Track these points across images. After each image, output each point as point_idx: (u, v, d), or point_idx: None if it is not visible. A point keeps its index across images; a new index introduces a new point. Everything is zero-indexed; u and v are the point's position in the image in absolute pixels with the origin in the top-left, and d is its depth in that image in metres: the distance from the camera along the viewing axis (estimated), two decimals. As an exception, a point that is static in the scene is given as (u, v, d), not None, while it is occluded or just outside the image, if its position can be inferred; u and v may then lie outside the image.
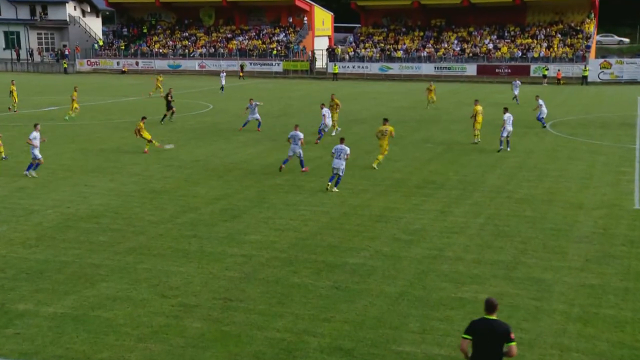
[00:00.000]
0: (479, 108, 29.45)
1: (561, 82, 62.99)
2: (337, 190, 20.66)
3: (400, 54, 74.03)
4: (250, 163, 25.23)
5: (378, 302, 12.18)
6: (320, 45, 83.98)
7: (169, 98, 36.45)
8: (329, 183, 20.96)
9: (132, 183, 21.97)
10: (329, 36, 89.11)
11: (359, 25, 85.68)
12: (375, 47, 76.87)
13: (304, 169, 23.34)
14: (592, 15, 73.12)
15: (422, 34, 78.11)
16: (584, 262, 14.25)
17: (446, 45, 74.22)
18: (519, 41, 72.07)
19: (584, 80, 62.42)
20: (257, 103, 34.04)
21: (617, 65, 64.96)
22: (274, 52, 78.79)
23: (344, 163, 20.64)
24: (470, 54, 71.58)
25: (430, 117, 38.51)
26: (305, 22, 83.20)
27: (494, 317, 7.98)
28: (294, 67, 76.90)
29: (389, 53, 74.78)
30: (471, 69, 69.32)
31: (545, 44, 70.13)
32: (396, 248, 15.25)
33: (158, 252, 15.06)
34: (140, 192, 20.67)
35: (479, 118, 29.33)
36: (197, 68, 79.61)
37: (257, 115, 33.58)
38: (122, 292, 12.71)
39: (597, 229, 16.62)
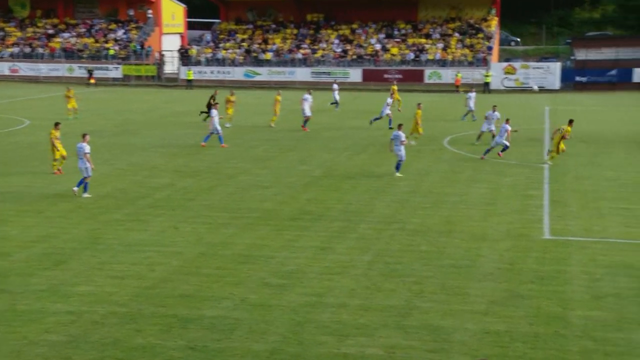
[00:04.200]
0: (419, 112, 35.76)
1: (460, 89, 66.01)
2: (398, 175, 27.25)
3: (269, 56, 74.97)
4: (77, 194, 24.54)
5: (244, 365, 12.17)
6: (170, 45, 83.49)
7: (211, 101, 41.16)
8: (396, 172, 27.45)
9: None
10: (180, 34, 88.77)
11: (219, 20, 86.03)
12: (239, 48, 77.43)
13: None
14: (494, 11, 77.55)
15: (296, 31, 79.61)
16: (488, 304, 14.93)
17: (325, 46, 76.02)
18: (410, 41, 75.11)
19: (485, 87, 65.75)
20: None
21: (523, 70, 69.03)
22: (111, 52, 77.42)
23: (402, 148, 27.16)
24: (354, 56, 73.68)
25: (307, 134, 39.14)
26: (150, 15, 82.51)
27: None
28: (137, 72, 75.91)
29: (255, 55, 75.53)
30: (355, 75, 71.32)
31: (441, 45, 73.50)
32: (266, 295, 15.32)
33: (-46, 313, 14.28)
34: None
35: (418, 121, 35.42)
36: (7, 72, 76.79)
37: (217, 125, 34.60)
38: None
39: (502, 264, 17.48)
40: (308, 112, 40.66)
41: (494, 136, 35.34)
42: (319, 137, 38.14)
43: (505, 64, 71.25)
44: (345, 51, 74.69)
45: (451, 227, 20.77)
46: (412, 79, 69.33)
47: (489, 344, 13.02)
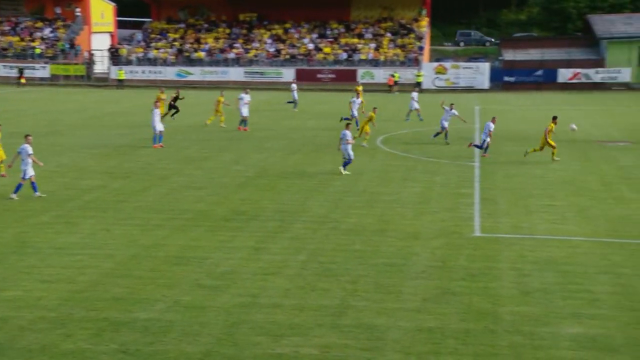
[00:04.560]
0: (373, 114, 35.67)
1: (393, 89, 66.72)
2: (343, 171, 27.75)
3: (202, 55, 74.45)
4: (4, 196, 23.99)
5: (177, 367, 12.08)
6: (100, 44, 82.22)
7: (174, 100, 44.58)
8: (341, 168, 27.93)
9: None
10: (111, 33, 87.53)
11: (150, 19, 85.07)
12: (171, 47, 76.72)
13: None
14: (424, 12, 78.59)
15: (228, 31, 79.24)
16: (421, 302, 15.12)
17: (258, 45, 75.84)
18: (343, 41, 75.52)
19: (417, 86, 66.52)
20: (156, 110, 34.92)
21: (453, 70, 70.21)
22: (37, 51, 75.77)
23: (348, 147, 27.53)
24: (288, 56, 73.71)
25: (241, 134, 39.05)
26: (79, 14, 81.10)
27: None
28: (66, 72, 74.59)
29: (188, 55, 74.94)
30: (289, 74, 71.34)
31: (373, 45, 74.09)
32: (199, 297, 15.22)
33: None
34: None
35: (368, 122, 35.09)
36: None
37: (157, 125, 34.41)
38: None
39: (435, 262, 17.72)
40: (245, 112, 40.51)
41: (437, 133, 36.13)
42: (252, 137, 38.06)
43: (436, 64, 72.31)
44: (278, 51, 74.67)
45: (385, 226, 20.96)
46: (345, 78, 69.74)
47: (421, 341, 13.18)
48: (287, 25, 79.08)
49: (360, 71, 70.86)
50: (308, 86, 68.74)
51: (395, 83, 67.19)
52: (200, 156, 32.22)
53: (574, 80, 69.11)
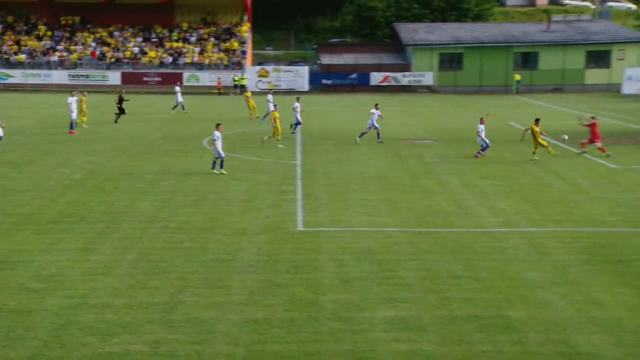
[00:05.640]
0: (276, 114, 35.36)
1: (220, 91, 66.82)
2: (221, 172, 27.69)
3: (22, 58, 70.91)
4: None
5: (4, 373, 11.50)
6: None
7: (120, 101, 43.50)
8: (213, 170, 27.80)
9: None
10: None
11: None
12: (-10, 49, 72.55)
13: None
14: (245, 17, 78.93)
15: (50, 33, 75.91)
16: (248, 294, 15.23)
17: (82, 48, 73.20)
18: (168, 45, 74.38)
19: (241, 89, 66.93)
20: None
21: (275, 73, 71.09)
22: None
23: (213, 147, 27.79)
24: (113, 59, 71.67)
25: (71, 137, 37.62)
26: None
27: None
28: None
29: (7, 57, 71.15)
30: (114, 78, 69.42)
31: (197, 49, 73.51)
32: (25, 300, 14.58)
33: None
34: None
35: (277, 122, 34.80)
36: None
37: None
38: None
39: (261, 256, 17.88)
40: (75, 116, 39.15)
41: (378, 133, 36.30)
42: (78, 139, 36.74)
43: (258, 68, 72.88)
44: (103, 54, 72.39)
45: (213, 223, 20.90)
46: (171, 81, 68.68)
47: (249, 332, 13.29)
48: (111, 29, 76.82)
49: (186, 74, 70.16)
50: (135, 89, 67.26)
51: (236, 86, 67.31)
52: (23, 160, 30.70)
53: (385, 83, 71.90)
